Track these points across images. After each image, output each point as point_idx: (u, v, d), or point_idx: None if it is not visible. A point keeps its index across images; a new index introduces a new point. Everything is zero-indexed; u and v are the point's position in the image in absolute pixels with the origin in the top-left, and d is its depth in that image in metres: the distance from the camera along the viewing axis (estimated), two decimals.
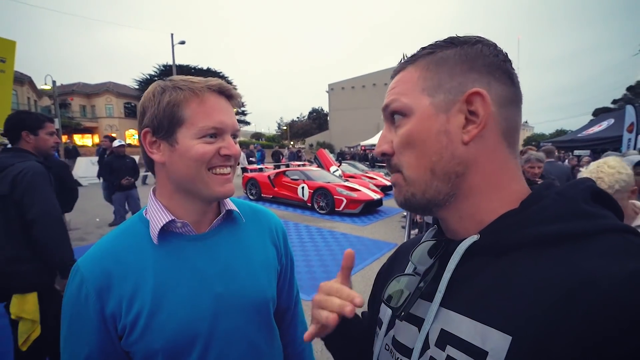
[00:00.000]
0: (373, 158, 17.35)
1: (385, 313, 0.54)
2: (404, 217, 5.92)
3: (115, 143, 5.62)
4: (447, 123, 0.43)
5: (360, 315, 0.68)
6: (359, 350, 0.62)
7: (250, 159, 14.95)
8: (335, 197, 7.63)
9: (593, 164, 1.66)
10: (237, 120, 0.74)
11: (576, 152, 11.82)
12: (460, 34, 0.47)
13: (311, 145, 39.69)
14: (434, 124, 0.44)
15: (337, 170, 10.64)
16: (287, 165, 11.23)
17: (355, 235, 6.04)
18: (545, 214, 0.39)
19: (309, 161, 15.15)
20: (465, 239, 0.43)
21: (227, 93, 0.70)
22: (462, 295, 0.41)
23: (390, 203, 8.86)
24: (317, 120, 57.06)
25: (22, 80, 24.62)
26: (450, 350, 0.40)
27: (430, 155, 0.44)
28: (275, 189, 8.93)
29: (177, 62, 24.23)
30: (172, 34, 19.75)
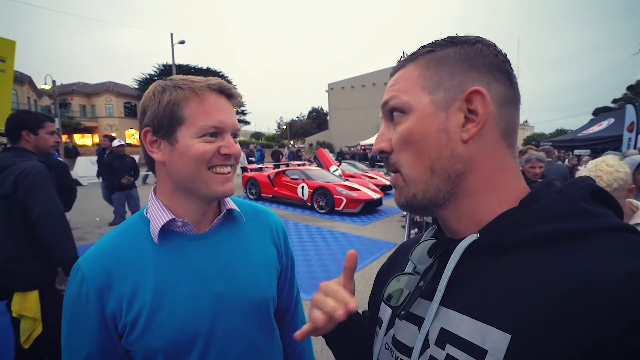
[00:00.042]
0: (373, 157, 17.33)
1: (385, 312, 0.54)
2: (404, 216, 5.93)
3: (115, 143, 5.62)
4: (447, 121, 0.43)
5: (359, 313, 0.68)
6: (359, 350, 0.62)
7: (250, 158, 14.94)
8: (335, 196, 7.63)
9: (591, 163, 1.67)
10: (237, 119, 0.74)
11: (576, 152, 11.82)
12: (460, 34, 0.47)
13: (311, 145, 39.67)
14: (433, 121, 0.44)
15: (337, 169, 10.64)
16: (287, 165, 11.23)
17: (355, 234, 6.04)
18: (545, 213, 0.39)
19: (308, 161, 15.15)
20: (464, 238, 0.43)
21: (227, 92, 0.70)
22: (462, 294, 0.42)
23: (390, 203, 8.86)
24: (317, 120, 57.01)
25: (22, 80, 24.61)
26: (450, 349, 0.40)
27: (429, 153, 0.44)
28: (275, 188, 8.93)
29: (177, 62, 24.23)
30: (171, 34, 19.75)
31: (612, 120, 11.52)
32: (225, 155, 0.68)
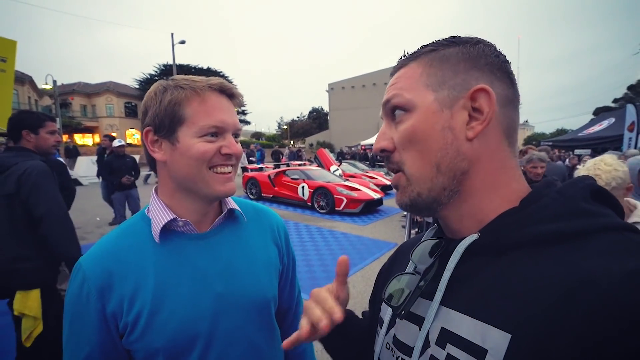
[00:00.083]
0: (373, 157, 17.33)
1: (386, 312, 0.54)
2: (404, 216, 5.92)
3: (115, 143, 5.61)
4: (452, 119, 0.43)
5: (357, 315, 0.68)
6: (357, 352, 0.63)
7: (251, 158, 14.95)
8: (335, 196, 7.63)
9: (590, 162, 1.70)
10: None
11: (577, 152, 11.81)
12: (461, 35, 0.47)
13: (311, 145, 39.66)
14: (438, 119, 0.43)
15: (337, 169, 10.64)
16: (288, 165, 11.23)
17: (355, 234, 6.04)
18: (545, 213, 0.39)
19: (309, 160, 15.15)
20: (465, 238, 0.43)
21: (229, 92, 0.70)
22: (462, 294, 0.42)
23: (390, 202, 8.85)
24: (317, 120, 56.99)
25: (22, 79, 24.65)
26: (451, 349, 0.40)
27: (435, 151, 0.43)
28: (276, 188, 8.93)
29: (178, 62, 24.24)
30: (172, 34, 19.77)
31: (612, 120, 11.51)
32: (226, 155, 0.68)
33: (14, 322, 1.78)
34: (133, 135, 35.93)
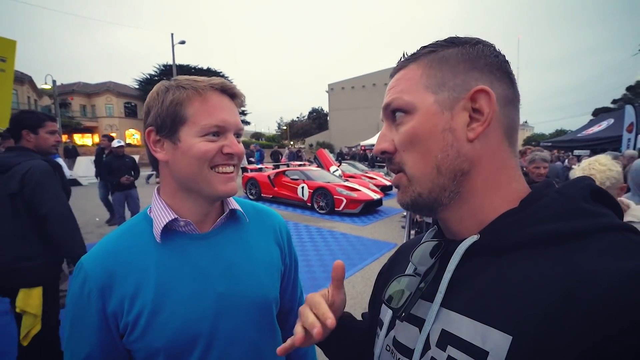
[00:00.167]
0: (373, 158, 17.33)
1: (386, 314, 0.54)
2: (404, 217, 5.92)
3: (115, 143, 5.59)
4: (452, 120, 0.43)
5: (355, 318, 0.68)
6: (357, 353, 0.62)
7: (250, 159, 14.94)
8: (335, 197, 7.63)
9: (585, 162, 1.74)
10: None
11: (576, 152, 11.83)
12: (460, 35, 0.47)
13: (311, 145, 39.66)
14: (439, 121, 0.43)
15: (337, 170, 10.63)
16: (287, 165, 11.23)
17: (355, 235, 6.03)
18: (545, 213, 0.39)
19: (309, 161, 15.14)
20: (465, 239, 0.43)
21: (230, 92, 0.70)
22: (463, 295, 0.42)
23: (390, 203, 8.86)
24: (317, 120, 57.00)
25: (22, 79, 24.64)
26: (451, 351, 0.40)
27: (435, 152, 0.44)
28: (275, 188, 8.93)
29: (178, 62, 24.25)
30: (172, 34, 19.77)
31: (611, 120, 11.51)
32: (228, 155, 0.68)
33: (15, 320, 1.80)
34: (133, 136, 35.94)
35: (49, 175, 1.81)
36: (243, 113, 41.59)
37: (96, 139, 32.79)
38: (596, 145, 10.75)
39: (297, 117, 63.69)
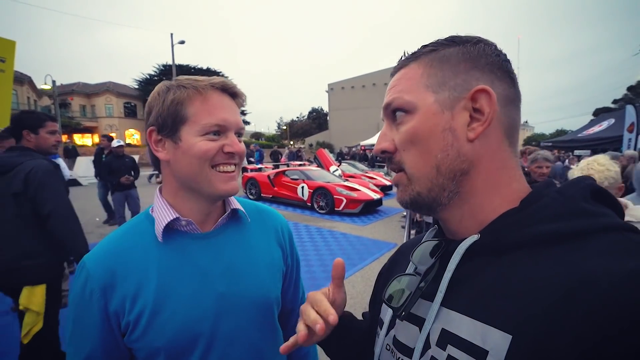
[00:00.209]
0: (373, 158, 17.33)
1: (387, 313, 0.54)
2: (404, 217, 5.92)
3: (114, 143, 5.58)
4: (452, 120, 0.43)
5: (355, 317, 0.68)
6: (357, 352, 0.62)
7: (250, 159, 14.95)
8: (335, 196, 7.63)
9: (583, 162, 1.75)
10: None
11: (576, 152, 11.84)
12: (461, 34, 0.47)
13: (311, 145, 39.66)
14: (439, 121, 0.43)
15: (337, 170, 10.63)
16: (287, 165, 11.22)
17: (355, 235, 6.03)
18: (545, 213, 0.39)
19: (308, 161, 15.14)
20: (465, 239, 0.43)
21: (231, 91, 0.70)
22: (463, 294, 0.42)
23: (390, 203, 8.86)
24: (317, 120, 57.00)
25: (22, 80, 24.64)
26: (451, 350, 0.40)
27: (435, 152, 0.44)
28: (275, 188, 8.93)
29: (177, 62, 24.26)
30: (171, 34, 19.77)
31: (612, 120, 11.51)
32: (229, 154, 0.68)
33: (18, 318, 1.81)
34: (132, 136, 35.93)
35: (52, 175, 1.84)
36: (243, 113, 41.56)
37: (96, 139, 32.79)
38: (597, 145, 10.74)
39: (297, 117, 63.74)
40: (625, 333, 0.28)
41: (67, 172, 4.58)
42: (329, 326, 0.49)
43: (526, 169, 3.18)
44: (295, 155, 17.32)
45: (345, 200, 7.51)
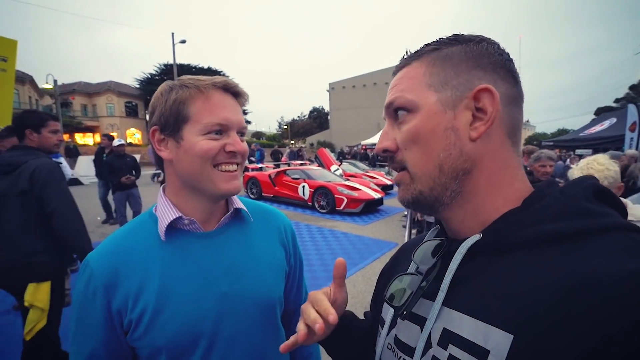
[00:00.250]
0: (374, 157, 17.32)
1: (388, 312, 0.54)
2: (405, 216, 5.92)
3: (115, 142, 5.58)
4: (455, 119, 0.43)
5: (356, 317, 0.68)
6: (359, 352, 0.62)
7: (251, 158, 14.95)
8: (336, 196, 7.63)
9: (583, 161, 1.75)
10: None
11: (578, 152, 11.80)
12: (463, 33, 0.47)
13: (312, 145, 39.68)
14: (441, 120, 0.43)
15: (338, 169, 10.64)
16: (288, 165, 11.22)
17: (355, 234, 6.03)
18: (547, 213, 0.39)
19: (309, 160, 15.14)
20: (467, 238, 0.43)
21: (233, 90, 0.70)
22: (464, 294, 0.41)
23: (390, 202, 8.85)
24: (318, 120, 56.98)
25: (23, 79, 24.73)
26: (453, 349, 0.40)
27: (437, 151, 0.43)
28: (276, 188, 8.93)
29: (178, 61, 24.28)
30: (172, 33, 19.79)
31: (614, 120, 11.47)
32: (231, 153, 0.68)
33: (22, 315, 1.82)
34: (133, 135, 35.97)
35: (56, 173, 1.86)
36: (244, 112, 41.58)
37: (97, 138, 32.84)
38: (598, 145, 10.69)
39: (298, 117, 63.78)
40: (626, 333, 0.28)
41: (68, 172, 4.60)
42: (328, 326, 0.49)
43: (528, 168, 3.16)
44: (296, 155, 17.30)
45: (346, 200, 7.51)
